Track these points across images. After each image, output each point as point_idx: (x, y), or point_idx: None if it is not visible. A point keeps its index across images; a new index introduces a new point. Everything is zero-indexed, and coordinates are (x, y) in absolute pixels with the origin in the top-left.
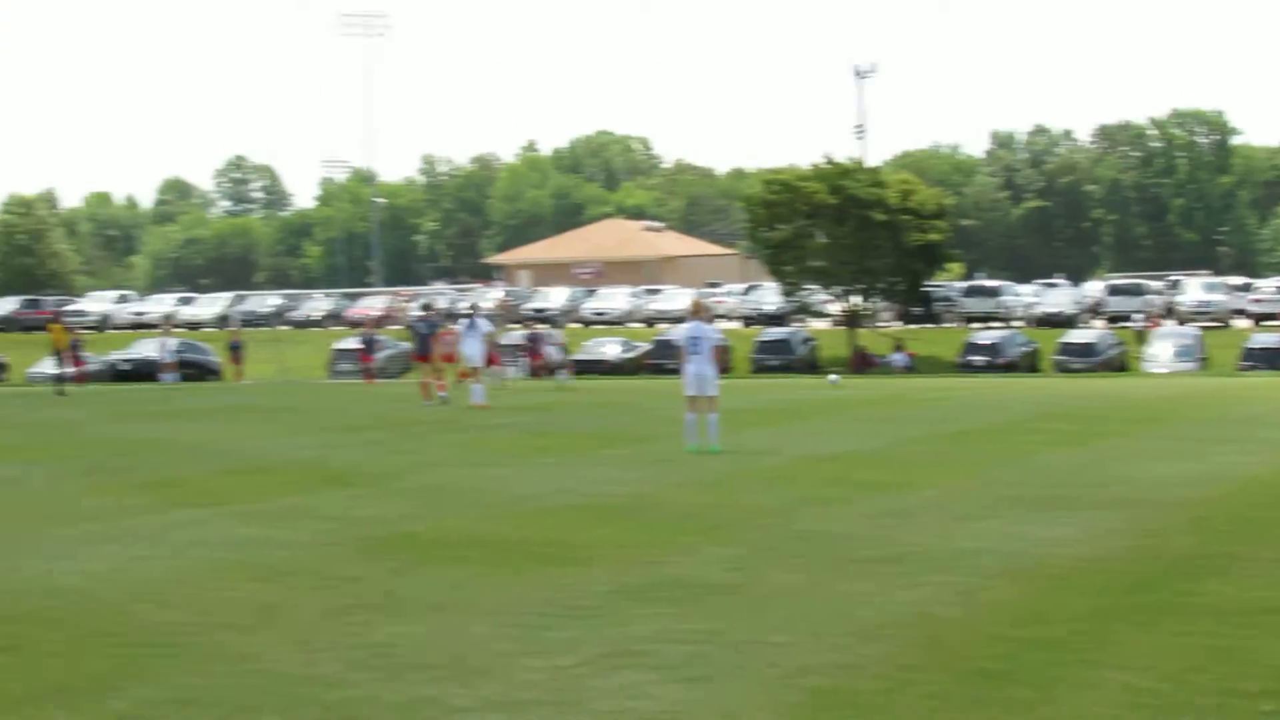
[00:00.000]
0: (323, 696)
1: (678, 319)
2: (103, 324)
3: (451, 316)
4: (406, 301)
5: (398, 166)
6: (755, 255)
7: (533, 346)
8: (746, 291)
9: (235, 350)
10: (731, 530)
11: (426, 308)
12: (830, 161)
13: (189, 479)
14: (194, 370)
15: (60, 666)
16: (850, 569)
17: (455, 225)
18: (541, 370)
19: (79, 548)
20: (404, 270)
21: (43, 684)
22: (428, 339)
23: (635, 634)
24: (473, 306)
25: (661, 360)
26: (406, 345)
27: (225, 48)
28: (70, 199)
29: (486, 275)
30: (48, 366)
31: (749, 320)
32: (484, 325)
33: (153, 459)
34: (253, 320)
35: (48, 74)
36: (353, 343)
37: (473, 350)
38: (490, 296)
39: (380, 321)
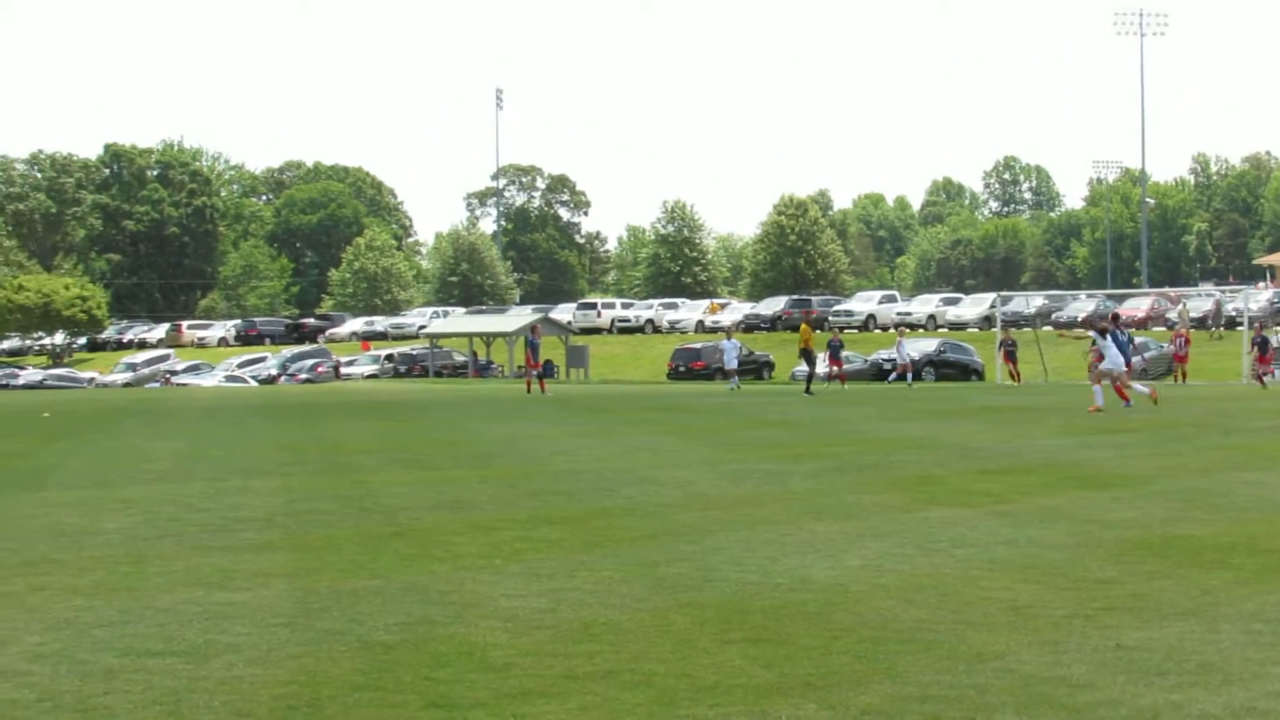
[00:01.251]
0: (1066, 699)
1: None
2: (868, 323)
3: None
4: (1173, 303)
5: (1169, 166)
6: None
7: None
8: None
9: (1008, 352)
10: None
11: (1115, 317)
12: None
13: (946, 478)
14: (956, 370)
15: (811, 659)
16: None
17: (1225, 225)
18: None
19: (836, 543)
20: (1172, 271)
21: (794, 676)
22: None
23: None
24: (1114, 317)
25: None
26: (1165, 346)
27: (997, 48)
28: (842, 200)
29: (1256, 276)
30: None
31: None
32: (1120, 335)
33: (911, 457)
34: (1016, 321)
35: (815, 80)
36: None
37: (1116, 358)
38: (1260, 298)
39: (1143, 322)
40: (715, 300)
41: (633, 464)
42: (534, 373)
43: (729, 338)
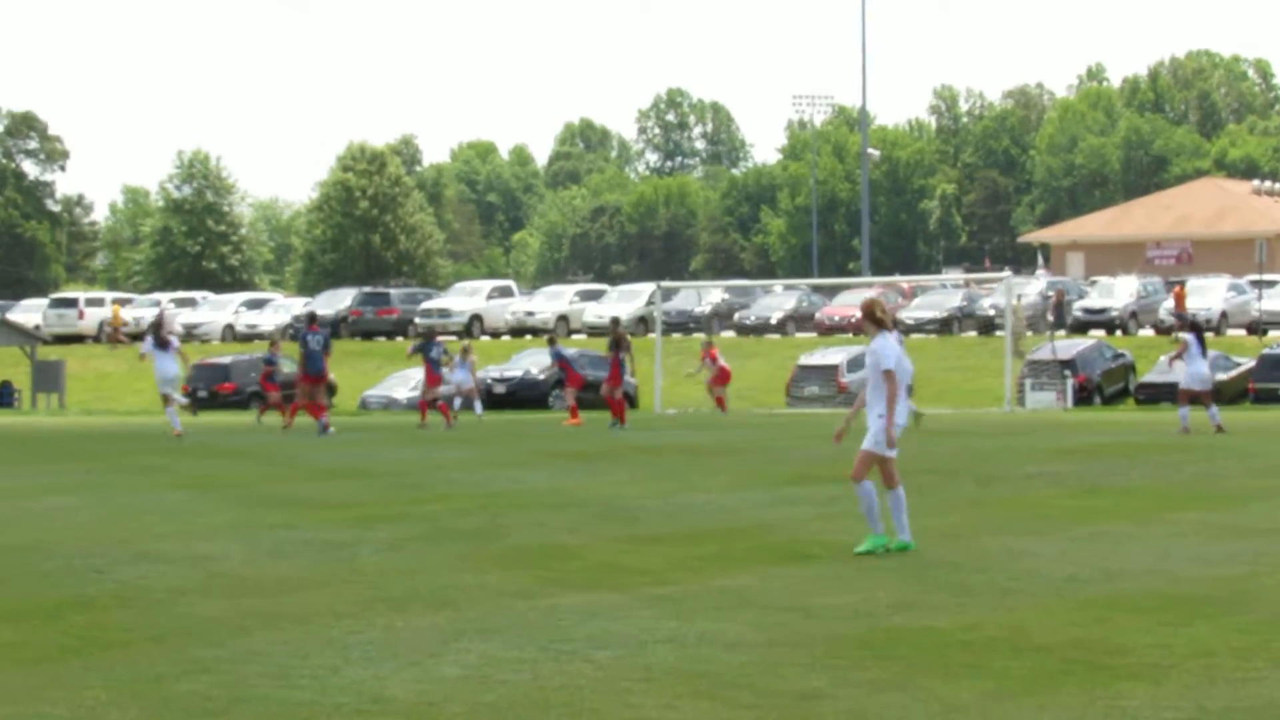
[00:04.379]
0: None
1: None
2: (472, 327)
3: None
4: (907, 296)
5: (901, 104)
6: None
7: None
8: None
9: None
10: None
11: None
12: None
13: (582, 549)
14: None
15: None
16: None
17: (980, 188)
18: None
19: (425, 643)
20: (905, 253)
21: None
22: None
23: None
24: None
25: (1272, 383)
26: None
27: None
28: (435, 152)
29: (1023, 259)
30: (396, 388)
31: None
32: (174, 343)
33: (533, 519)
34: (683, 323)
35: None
36: (823, 357)
37: (168, 370)
38: (1029, 290)
39: (860, 326)
40: (117, 298)
41: (130, 532)
42: None
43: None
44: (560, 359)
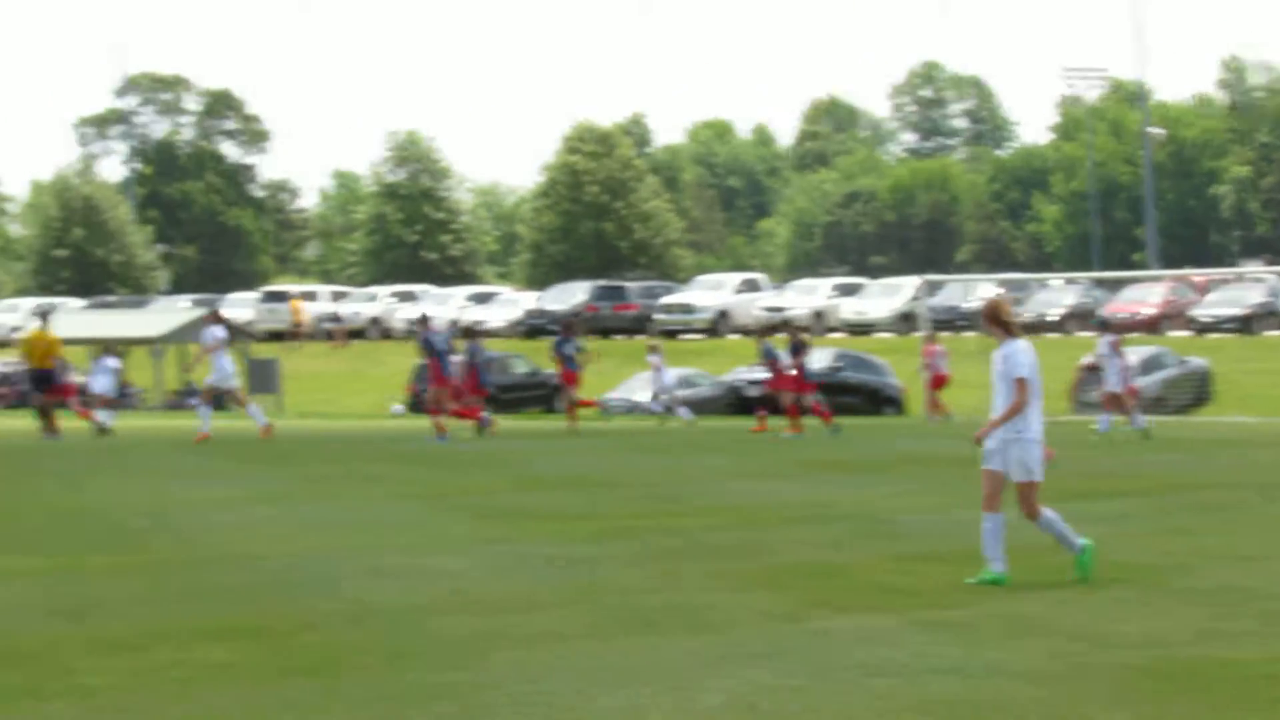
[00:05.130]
0: None
1: None
2: (718, 325)
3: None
4: (1200, 291)
5: (1185, 77)
6: None
7: None
8: None
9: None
10: None
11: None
12: None
13: (849, 567)
14: (861, 397)
15: None
16: None
17: (1278, 170)
18: None
19: (683, 670)
20: (1196, 242)
21: None
22: None
23: None
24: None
25: None
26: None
27: None
28: (669, 132)
29: None
30: (638, 389)
31: None
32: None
33: (793, 534)
34: (951, 320)
35: None
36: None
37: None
38: None
39: (1153, 324)
40: (298, 293)
41: (361, 544)
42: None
43: None
44: (769, 357)
